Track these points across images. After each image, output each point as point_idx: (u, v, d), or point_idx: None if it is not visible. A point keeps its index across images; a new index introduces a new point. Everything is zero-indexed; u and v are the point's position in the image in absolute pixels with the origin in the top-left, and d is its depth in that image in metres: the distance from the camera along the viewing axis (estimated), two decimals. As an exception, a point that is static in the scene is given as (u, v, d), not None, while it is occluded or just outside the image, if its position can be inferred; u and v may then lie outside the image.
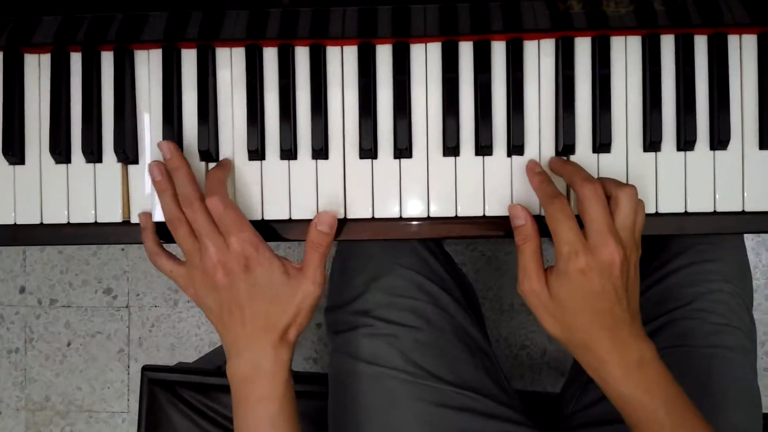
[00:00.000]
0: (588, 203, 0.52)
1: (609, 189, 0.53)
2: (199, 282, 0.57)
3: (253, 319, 0.56)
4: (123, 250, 1.33)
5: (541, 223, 0.55)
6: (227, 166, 0.59)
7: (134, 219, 0.60)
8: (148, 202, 0.60)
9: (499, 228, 0.60)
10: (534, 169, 0.58)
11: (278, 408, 0.57)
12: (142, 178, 0.60)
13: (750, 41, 0.59)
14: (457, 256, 1.30)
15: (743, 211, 0.59)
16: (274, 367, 0.56)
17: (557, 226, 0.52)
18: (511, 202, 0.59)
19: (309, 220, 0.58)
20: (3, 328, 1.35)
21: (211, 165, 0.59)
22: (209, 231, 0.55)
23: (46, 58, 0.60)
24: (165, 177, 0.57)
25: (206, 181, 0.57)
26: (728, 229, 0.59)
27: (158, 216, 0.59)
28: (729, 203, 0.59)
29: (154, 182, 0.57)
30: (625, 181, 0.59)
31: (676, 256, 0.70)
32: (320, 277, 0.57)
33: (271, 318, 0.56)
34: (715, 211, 0.59)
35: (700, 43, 0.59)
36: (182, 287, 0.58)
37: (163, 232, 0.58)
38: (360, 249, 0.70)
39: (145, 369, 0.83)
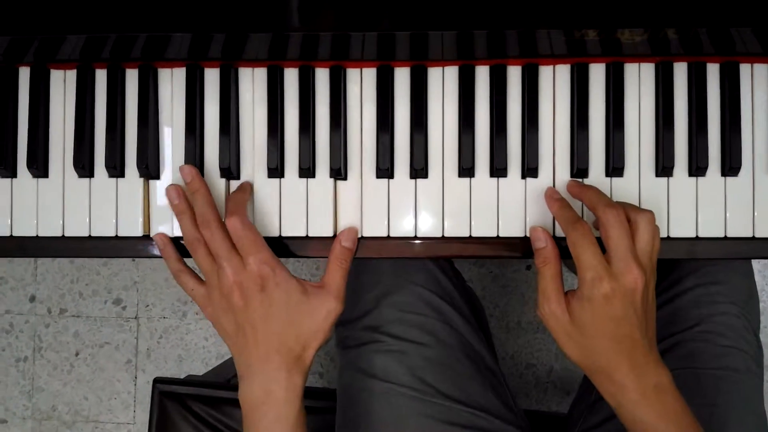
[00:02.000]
0: (611, 229, 0.52)
1: (629, 214, 0.54)
2: (216, 302, 0.57)
3: (266, 340, 0.56)
4: (134, 261, 1.34)
5: (559, 246, 0.56)
6: (249, 189, 0.60)
7: (154, 233, 0.61)
8: (169, 216, 0.61)
9: (512, 249, 0.60)
10: (553, 196, 0.58)
11: None
12: (163, 193, 0.61)
13: (762, 70, 0.60)
14: (465, 273, 1.30)
15: (753, 237, 0.60)
16: (287, 393, 0.56)
17: (581, 252, 0.53)
18: (525, 223, 0.60)
19: (326, 238, 0.59)
20: (12, 337, 1.36)
21: (232, 182, 0.61)
22: (226, 252, 0.55)
23: (72, 74, 0.61)
24: (183, 199, 0.58)
25: (227, 202, 0.58)
26: (739, 254, 0.60)
27: (177, 231, 0.60)
28: (739, 229, 0.59)
29: (172, 205, 0.58)
30: (637, 204, 0.60)
31: (683, 278, 0.71)
32: (343, 293, 0.58)
33: (286, 340, 0.56)
34: (725, 236, 0.60)
35: (713, 72, 0.60)
36: (201, 306, 0.59)
37: (184, 250, 0.59)
38: (371, 265, 0.71)
39: (157, 381, 0.84)
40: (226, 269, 0.55)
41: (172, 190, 0.59)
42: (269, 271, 0.55)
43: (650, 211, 0.54)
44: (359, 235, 0.60)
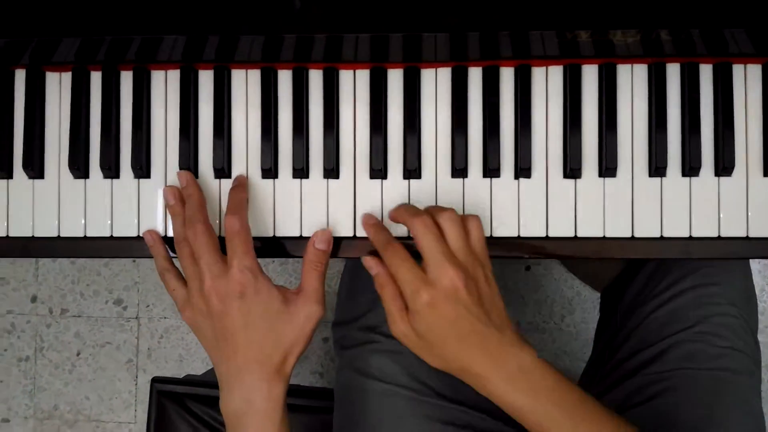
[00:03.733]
0: (421, 239, 0.53)
1: (434, 218, 0.54)
2: (196, 306, 0.57)
3: (246, 349, 0.56)
4: (134, 261, 1.35)
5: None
6: (246, 185, 0.60)
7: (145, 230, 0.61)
8: (161, 216, 0.61)
9: (505, 249, 0.61)
10: (368, 222, 0.59)
11: None
12: (155, 193, 0.61)
13: (754, 71, 0.60)
14: (465, 274, 1.30)
15: (747, 236, 0.59)
16: (267, 404, 0.56)
17: (396, 271, 0.54)
18: (518, 223, 0.60)
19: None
20: (14, 337, 1.37)
21: (224, 182, 0.61)
22: (207, 255, 0.55)
23: (67, 77, 0.62)
24: (178, 201, 0.59)
25: (228, 199, 0.58)
26: (733, 254, 0.60)
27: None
28: (733, 229, 0.59)
29: (168, 206, 0.59)
30: (630, 204, 0.60)
31: (681, 279, 0.71)
32: (322, 297, 0.58)
33: (265, 349, 0.56)
34: (719, 236, 0.59)
35: (706, 72, 0.60)
36: (180, 308, 0.59)
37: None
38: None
39: (155, 381, 0.84)
40: (205, 272, 0.55)
41: (169, 191, 0.59)
42: (250, 278, 0.55)
43: (450, 209, 0.55)
44: (353, 235, 0.61)
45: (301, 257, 0.60)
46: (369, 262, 0.57)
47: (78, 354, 1.36)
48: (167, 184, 0.61)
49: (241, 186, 0.60)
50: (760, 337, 0.73)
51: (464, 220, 0.55)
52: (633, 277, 0.76)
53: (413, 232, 0.54)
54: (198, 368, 1.34)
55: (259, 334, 0.56)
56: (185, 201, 0.58)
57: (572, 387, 0.54)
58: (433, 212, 0.55)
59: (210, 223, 0.57)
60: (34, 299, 1.37)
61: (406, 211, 0.56)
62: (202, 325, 0.57)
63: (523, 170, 0.60)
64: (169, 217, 0.60)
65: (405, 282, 0.53)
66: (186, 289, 0.58)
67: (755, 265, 1.21)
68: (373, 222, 0.59)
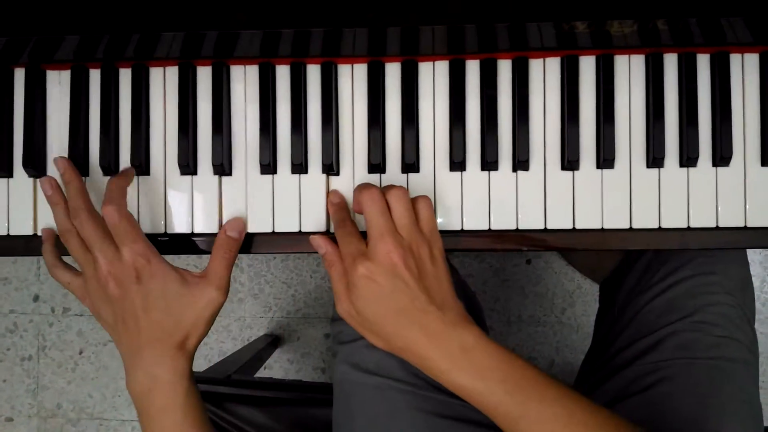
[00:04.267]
0: (366, 210, 0.54)
1: (385, 196, 0.55)
2: (93, 293, 0.57)
3: (147, 330, 0.56)
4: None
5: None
6: (130, 175, 0.60)
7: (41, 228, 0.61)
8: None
9: (504, 241, 0.61)
10: (332, 201, 0.60)
11: (182, 416, 0.57)
12: (158, 190, 0.61)
13: (752, 60, 0.60)
14: (465, 268, 1.31)
15: (745, 226, 0.60)
16: (173, 377, 0.57)
17: (342, 245, 0.55)
18: (516, 215, 0.60)
19: (319, 233, 0.59)
20: (16, 336, 1.37)
21: (225, 179, 0.61)
22: (98, 241, 0.56)
23: (66, 75, 0.62)
24: (56, 191, 0.59)
25: (106, 189, 0.58)
26: (730, 244, 0.60)
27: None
28: (731, 219, 0.60)
29: (46, 196, 0.59)
30: (628, 195, 0.60)
31: (678, 269, 0.71)
32: (225, 283, 0.58)
33: (166, 329, 0.57)
34: (717, 226, 0.60)
35: (703, 62, 0.60)
36: (80, 298, 0.59)
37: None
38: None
39: (157, 377, 0.84)
40: (99, 259, 0.55)
41: (46, 182, 0.59)
42: (144, 263, 0.56)
43: (399, 186, 0.55)
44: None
45: (301, 253, 0.61)
46: (317, 241, 0.57)
47: (80, 352, 1.37)
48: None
49: (124, 174, 0.59)
50: (760, 329, 0.73)
51: (414, 201, 0.56)
52: (631, 267, 0.76)
53: (362, 206, 0.55)
54: (200, 365, 1.35)
55: (158, 314, 0.56)
56: (65, 189, 0.58)
57: (520, 366, 0.53)
58: (384, 189, 0.56)
59: (94, 209, 0.57)
60: (36, 298, 1.37)
61: (359, 186, 0.57)
62: (102, 311, 0.58)
63: (521, 162, 0.60)
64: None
65: (346, 254, 0.54)
66: (81, 279, 0.58)
67: (756, 256, 1.21)
68: (337, 201, 0.60)
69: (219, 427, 0.83)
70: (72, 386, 1.37)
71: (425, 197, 0.56)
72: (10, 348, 1.38)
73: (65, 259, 0.61)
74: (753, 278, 0.75)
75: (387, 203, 0.55)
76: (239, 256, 0.64)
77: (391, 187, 0.56)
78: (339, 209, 0.59)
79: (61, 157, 0.60)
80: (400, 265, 0.52)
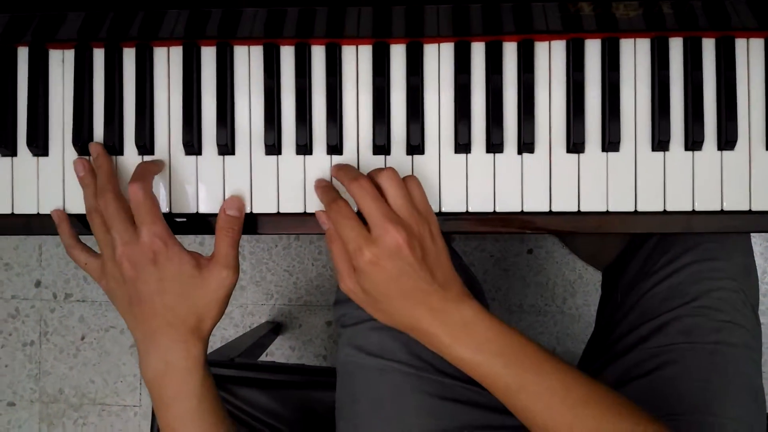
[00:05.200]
0: (360, 201, 0.54)
1: (374, 179, 0.55)
2: (110, 274, 0.58)
3: (162, 313, 0.56)
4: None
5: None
6: (161, 165, 0.61)
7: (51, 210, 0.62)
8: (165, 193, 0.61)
9: (509, 224, 0.61)
10: (318, 185, 0.60)
11: (197, 404, 0.57)
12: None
13: (757, 44, 0.60)
14: (466, 257, 1.31)
15: (750, 210, 0.60)
16: (186, 362, 0.57)
17: (340, 229, 0.55)
18: (522, 198, 0.60)
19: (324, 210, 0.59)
20: (18, 322, 1.38)
21: (228, 158, 0.61)
22: (118, 222, 0.56)
23: (70, 54, 0.62)
24: (88, 173, 0.59)
25: (135, 169, 0.58)
26: (735, 228, 0.60)
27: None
28: (736, 202, 0.60)
29: (78, 177, 0.60)
30: (633, 178, 0.60)
31: (682, 254, 0.71)
32: (234, 262, 0.58)
33: (179, 313, 0.57)
34: (722, 210, 0.60)
35: (708, 46, 0.60)
36: (96, 279, 0.59)
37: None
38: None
39: (159, 360, 0.85)
40: (117, 240, 0.56)
41: (78, 163, 0.60)
42: (161, 245, 0.56)
43: (389, 168, 0.56)
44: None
45: (305, 234, 0.61)
46: (321, 216, 0.58)
47: (82, 338, 1.37)
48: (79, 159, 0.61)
49: (155, 162, 0.60)
50: (762, 320, 0.73)
51: (404, 180, 0.56)
52: (634, 254, 0.76)
53: (352, 194, 0.55)
54: (202, 352, 1.35)
55: (172, 298, 0.56)
56: (96, 172, 0.59)
57: (518, 339, 0.54)
58: (372, 174, 0.56)
59: (121, 192, 0.58)
60: (38, 284, 1.37)
61: (345, 173, 0.57)
62: (117, 292, 0.58)
63: (526, 145, 0.60)
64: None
65: (348, 240, 0.54)
66: (98, 260, 0.59)
67: (757, 247, 1.21)
68: (323, 184, 0.60)
69: (221, 410, 0.83)
70: (74, 372, 1.37)
71: (413, 177, 0.57)
72: (12, 333, 1.38)
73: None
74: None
75: (378, 187, 0.55)
76: (241, 244, 0.64)
77: (379, 170, 0.56)
78: (328, 190, 0.59)
79: (96, 142, 0.61)
80: (405, 248, 0.53)
